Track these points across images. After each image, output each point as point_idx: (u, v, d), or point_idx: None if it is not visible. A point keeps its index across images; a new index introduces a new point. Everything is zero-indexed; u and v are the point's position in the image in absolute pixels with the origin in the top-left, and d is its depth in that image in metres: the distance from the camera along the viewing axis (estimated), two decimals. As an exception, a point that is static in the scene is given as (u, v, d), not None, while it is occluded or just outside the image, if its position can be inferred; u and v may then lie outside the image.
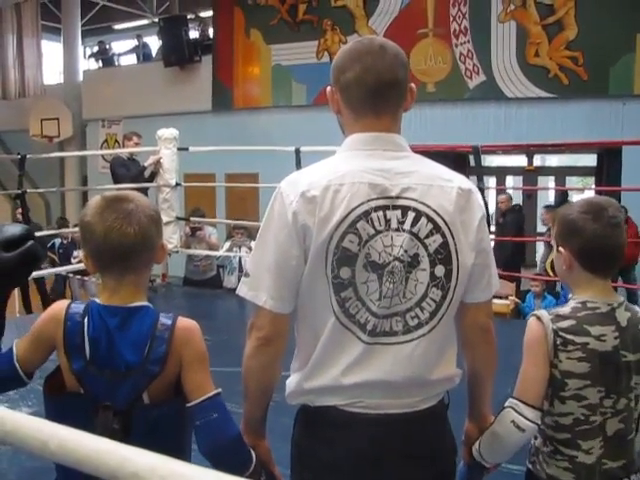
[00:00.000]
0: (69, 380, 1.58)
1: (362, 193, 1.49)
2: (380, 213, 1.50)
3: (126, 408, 1.54)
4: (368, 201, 1.49)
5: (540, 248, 8.88)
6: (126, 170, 7.07)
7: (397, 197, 1.51)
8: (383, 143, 1.56)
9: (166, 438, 1.57)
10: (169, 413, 1.60)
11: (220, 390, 1.61)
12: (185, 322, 1.62)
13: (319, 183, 1.50)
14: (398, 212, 1.51)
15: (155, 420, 1.57)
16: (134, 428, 1.54)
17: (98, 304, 1.59)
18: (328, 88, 1.63)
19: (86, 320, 1.56)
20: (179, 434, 1.64)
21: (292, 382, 1.63)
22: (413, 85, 1.63)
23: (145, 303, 1.62)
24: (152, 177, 7.19)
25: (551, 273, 7.76)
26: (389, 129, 1.58)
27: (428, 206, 1.52)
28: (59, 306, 1.62)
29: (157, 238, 1.63)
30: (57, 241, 10.23)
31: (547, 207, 9.40)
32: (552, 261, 6.79)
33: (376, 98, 1.55)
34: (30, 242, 1.59)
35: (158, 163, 7.08)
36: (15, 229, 1.61)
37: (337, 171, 1.52)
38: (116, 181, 7.00)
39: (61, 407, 1.58)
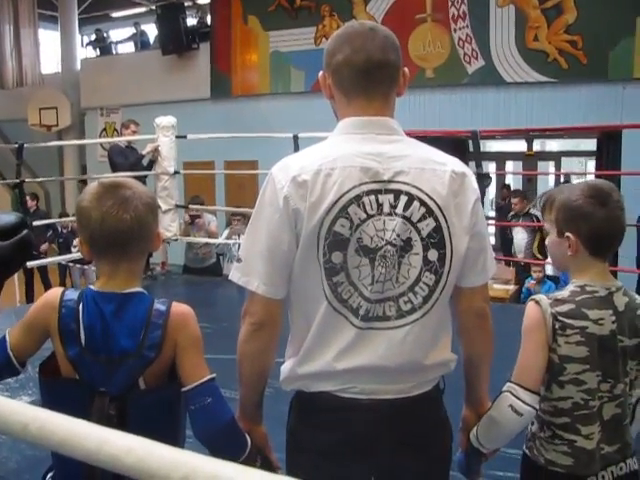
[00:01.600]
0: (64, 366, 1.58)
1: (354, 177, 1.49)
2: (372, 197, 1.49)
3: (122, 394, 1.54)
4: (360, 185, 1.49)
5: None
6: (124, 158, 7.05)
7: (389, 181, 1.50)
8: (375, 127, 1.56)
9: (162, 423, 1.58)
10: (165, 398, 1.60)
11: (214, 375, 1.61)
12: (179, 307, 1.63)
13: (310, 167, 1.49)
14: (390, 196, 1.50)
15: (151, 405, 1.57)
16: (130, 414, 1.55)
17: (93, 290, 1.60)
18: (320, 73, 1.63)
19: (81, 306, 1.56)
20: (174, 419, 1.64)
21: (286, 368, 1.64)
22: (406, 69, 1.62)
23: (140, 289, 1.62)
24: (150, 165, 7.18)
25: (539, 256, 7.75)
26: (381, 112, 1.57)
27: (421, 190, 1.51)
28: (53, 293, 1.62)
29: (153, 225, 1.64)
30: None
31: (516, 192, 9.30)
32: (538, 246, 6.72)
33: (366, 79, 1.54)
34: (24, 231, 1.60)
35: (156, 151, 7.07)
36: (9, 218, 1.62)
37: (329, 155, 1.51)
38: (114, 170, 6.98)
39: (57, 393, 1.58)
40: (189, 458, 0.45)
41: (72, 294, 1.60)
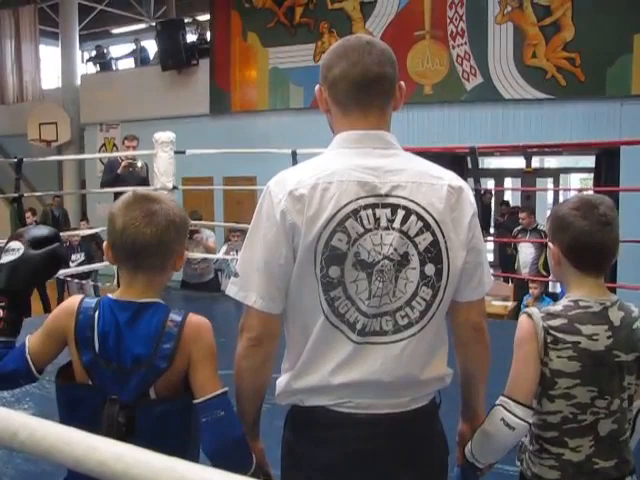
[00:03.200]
0: (79, 372, 1.59)
1: (351, 191, 1.48)
2: (369, 211, 1.49)
3: (132, 402, 1.54)
4: (357, 199, 1.48)
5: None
6: (109, 175, 7.16)
7: (386, 195, 1.50)
8: (372, 141, 1.56)
9: (172, 434, 1.57)
10: (175, 409, 1.60)
11: (227, 389, 1.60)
12: (196, 319, 1.62)
13: (307, 182, 1.49)
14: (387, 210, 1.50)
15: (160, 415, 1.56)
16: (139, 423, 1.54)
17: (110, 299, 1.61)
18: (317, 87, 1.63)
19: (97, 314, 1.57)
20: (185, 431, 1.63)
21: (282, 382, 1.62)
22: (403, 83, 1.62)
23: (157, 300, 1.62)
24: (146, 181, 7.22)
25: (545, 273, 7.75)
26: (377, 126, 1.57)
27: (418, 204, 1.51)
28: (73, 300, 1.64)
29: (176, 244, 1.63)
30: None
31: (523, 207, 9.30)
32: (544, 262, 6.72)
33: (362, 92, 1.54)
34: (57, 243, 1.68)
35: (130, 166, 7.16)
36: (44, 230, 1.70)
37: (326, 169, 1.51)
38: (101, 187, 7.14)
39: (71, 398, 1.60)
40: (178, 465, 0.44)
41: (90, 302, 1.62)
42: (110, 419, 1.52)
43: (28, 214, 9.89)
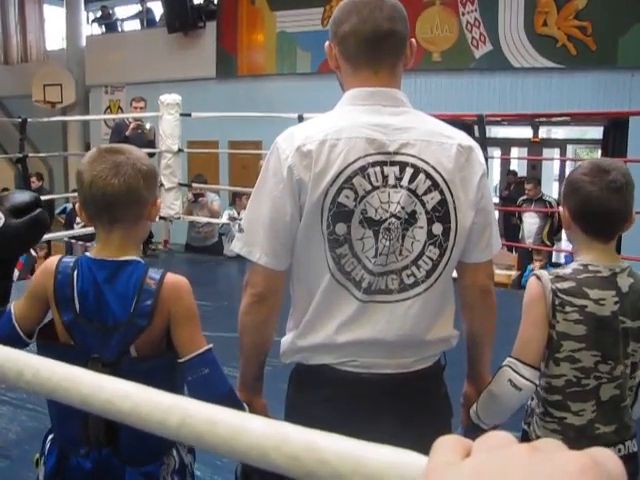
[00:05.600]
0: (61, 332, 1.59)
1: (359, 148, 1.47)
2: (377, 169, 1.48)
3: (114, 361, 1.55)
4: (365, 156, 1.47)
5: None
6: (117, 137, 7.12)
7: (395, 153, 1.49)
8: (381, 98, 1.54)
9: None
10: (156, 367, 1.60)
11: (211, 346, 1.60)
12: (174, 278, 1.62)
13: (315, 137, 1.48)
14: (396, 168, 1.49)
15: (142, 374, 1.55)
16: None
17: (88, 257, 1.60)
18: (326, 43, 1.60)
19: (76, 273, 1.57)
20: (169, 389, 1.62)
21: (287, 340, 1.63)
22: (413, 40, 1.60)
23: (135, 257, 1.62)
24: (152, 144, 7.18)
25: (548, 244, 7.74)
26: (388, 83, 1.55)
27: (427, 162, 1.50)
28: (51, 260, 1.63)
29: (146, 192, 1.61)
30: (69, 206, 10.22)
31: (530, 177, 9.26)
32: (548, 232, 6.74)
33: (373, 49, 1.52)
34: (38, 210, 1.64)
35: (139, 127, 7.09)
36: (24, 196, 1.66)
37: (334, 125, 1.50)
38: None
39: (53, 357, 1.58)
40: (186, 403, 0.44)
41: (68, 261, 1.61)
42: None
43: (33, 179, 9.86)
